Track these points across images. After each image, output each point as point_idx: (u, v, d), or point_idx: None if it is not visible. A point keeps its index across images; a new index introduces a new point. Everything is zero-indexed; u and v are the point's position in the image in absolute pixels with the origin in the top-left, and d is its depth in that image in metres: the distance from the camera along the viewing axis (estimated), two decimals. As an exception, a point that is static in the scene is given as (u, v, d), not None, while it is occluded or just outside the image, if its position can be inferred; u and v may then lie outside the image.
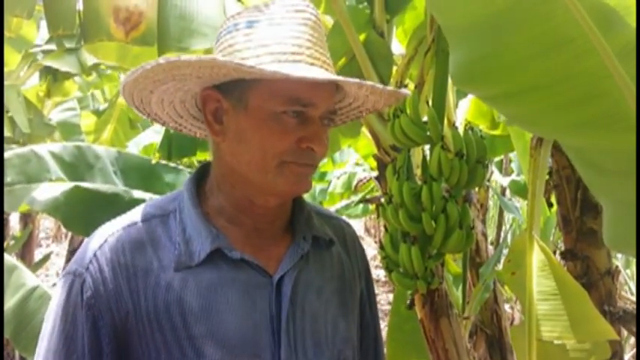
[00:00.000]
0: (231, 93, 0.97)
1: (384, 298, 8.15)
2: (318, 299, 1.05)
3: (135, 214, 1.02)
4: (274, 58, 0.94)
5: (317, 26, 1.01)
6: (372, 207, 5.04)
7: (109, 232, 0.99)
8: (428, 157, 1.40)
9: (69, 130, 5.17)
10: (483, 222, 3.50)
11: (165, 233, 0.99)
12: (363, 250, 1.24)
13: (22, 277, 2.50)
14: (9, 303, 2.39)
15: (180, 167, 2.76)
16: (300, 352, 0.99)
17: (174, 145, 3.05)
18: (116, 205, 2.31)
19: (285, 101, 0.94)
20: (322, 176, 5.44)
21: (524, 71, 0.95)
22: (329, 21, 1.95)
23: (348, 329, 1.10)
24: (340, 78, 0.96)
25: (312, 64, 0.97)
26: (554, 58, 0.90)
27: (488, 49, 0.97)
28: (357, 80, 0.97)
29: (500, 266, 3.02)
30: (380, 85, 1.02)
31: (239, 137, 0.97)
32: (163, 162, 2.75)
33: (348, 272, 1.14)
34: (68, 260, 5.62)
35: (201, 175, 1.07)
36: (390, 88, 1.03)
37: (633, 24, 0.84)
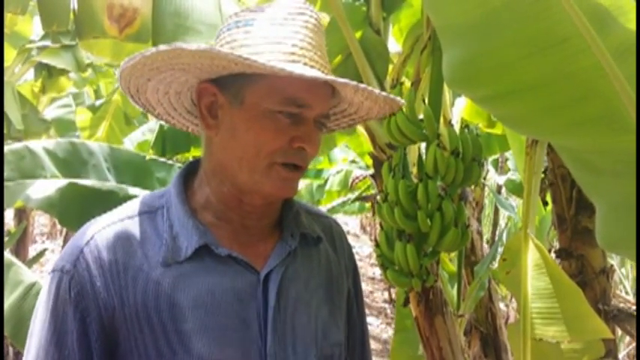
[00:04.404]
0: (228, 88, 0.97)
1: (380, 296, 8.16)
2: (305, 295, 1.05)
3: (122, 211, 1.02)
4: (274, 56, 0.94)
5: (318, 30, 1.01)
6: (368, 205, 5.04)
7: (96, 229, 0.98)
8: (424, 155, 1.40)
9: (64, 126, 5.14)
10: (479, 220, 3.51)
11: (153, 230, 0.99)
12: (350, 248, 1.24)
13: (20, 274, 2.46)
14: (7, 300, 2.36)
15: (173, 163, 2.75)
16: (285, 347, 1.00)
17: (169, 142, 3.05)
18: (111, 201, 2.29)
19: (281, 100, 0.95)
20: (319, 174, 5.44)
21: (518, 71, 0.95)
22: (325, 18, 1.94)
23: (336, 326, 1.10)
24: (340, 80, 0.96)
25: (311, 66, 0.97)
26: (548, 58, 0.90)
27: (482, 49, 0.96)
28: (354, 83, 0.97)
29: (495, 265, 3.03)
30: (376, 90, 1.02)
31: (232, 133, 0.97)
32: (157, 158, 2.74)
33: (335, 269, 1.15)
34: (63, 257, 5.58)
35: (190, 171, 1.07)
36: (385, 93, 1.03)
37: (626, 24, 0.84)
